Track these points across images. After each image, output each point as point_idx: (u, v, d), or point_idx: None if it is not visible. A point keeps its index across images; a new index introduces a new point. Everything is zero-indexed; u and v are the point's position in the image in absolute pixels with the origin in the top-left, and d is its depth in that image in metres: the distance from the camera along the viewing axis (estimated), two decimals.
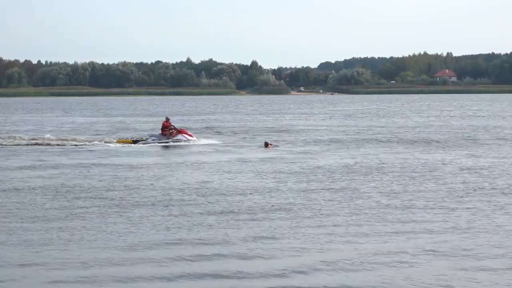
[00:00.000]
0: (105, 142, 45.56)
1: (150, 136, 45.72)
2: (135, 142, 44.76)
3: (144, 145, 43.65)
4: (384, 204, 21.24)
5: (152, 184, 25.81)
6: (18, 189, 24.57)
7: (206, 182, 26.28)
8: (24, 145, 43.42)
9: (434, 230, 17.69)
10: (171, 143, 43.74)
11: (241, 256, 15.29)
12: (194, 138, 45.13)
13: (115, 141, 45.87)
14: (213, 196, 22.89)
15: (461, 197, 22.62)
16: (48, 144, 43.70)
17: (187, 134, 45.31)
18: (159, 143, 44.00)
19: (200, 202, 21.87)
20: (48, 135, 49.31)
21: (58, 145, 43.58)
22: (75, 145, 43.76)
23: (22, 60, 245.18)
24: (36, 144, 43.75)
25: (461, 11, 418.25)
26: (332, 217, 19.43)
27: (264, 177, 27.63)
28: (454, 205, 21.20)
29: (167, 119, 46.00)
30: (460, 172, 28.77)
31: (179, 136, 44.62)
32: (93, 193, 23.65)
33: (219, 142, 45.00)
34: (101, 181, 26.59)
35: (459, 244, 16.31)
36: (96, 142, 45.37)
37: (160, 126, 46.77)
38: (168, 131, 44.81)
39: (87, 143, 44.71)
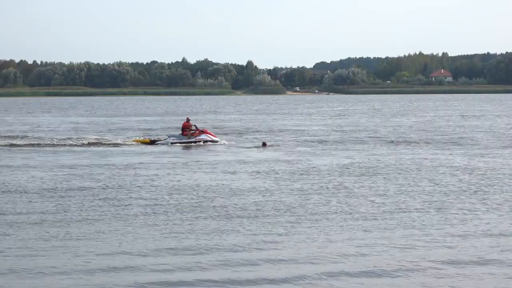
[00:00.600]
0: (123, 142, 45.17)
1: (169, 136, 45.13)
2: (152, 142, 44.34)
3: (165, 145, 43.16)
4: (383, 206, 21.24)
5: (153, 185, 25.73)
6: (23, 190, 24.59)
7: (202, 182, 26.21)
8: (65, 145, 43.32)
9: (433, 233, 17.72)
10: (195, 143, 43.28)
11: (241, 261, 15.28)
12: (217, 139, 44.70)
13: (132, 140, 45.42)
14: (210, 198, 22.84)
15: (457, 197, 22.66)
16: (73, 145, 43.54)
17: (210, 134, 44.92)
18: (180, 143, 43.55)
19: (196, 204, 21.80)
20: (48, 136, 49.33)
21: (57, 145, 43.59)
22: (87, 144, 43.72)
23: (17, 60, 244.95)
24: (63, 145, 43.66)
25: (457, 11, 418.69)
26: (331, 220, 19.43)
27: (261, 177, 27.58)
28: (451, 206, 21.24)
29: (188, 120, 45.42)
30: (458, 172, 28.81)
31: (203, 136, 44.13)
32: (88, 194, 23.63)
33: (234, 142, 44.83)
34: (94, 181, 26.51)
35: (457, 248, 16.36)
36: (112, 141, 45.19)
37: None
38: (188, 131, 44.29)
39: (99, 143, 44.55)
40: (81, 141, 45.23)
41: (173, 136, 45.09)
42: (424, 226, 18.38)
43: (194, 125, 45.28)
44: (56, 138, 47.72)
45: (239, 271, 14.23)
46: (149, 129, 60.17)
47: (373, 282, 13.55)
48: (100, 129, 60.54)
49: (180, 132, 45.08)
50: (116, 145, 43.50)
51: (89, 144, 43.87)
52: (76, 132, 55.31)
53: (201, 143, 43.46)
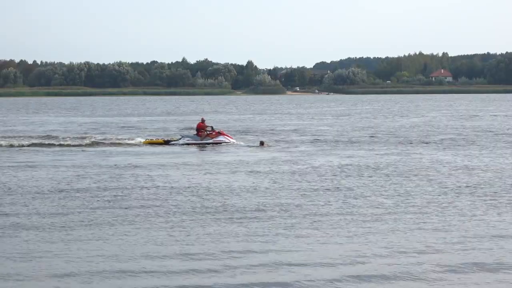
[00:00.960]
0: (131, 142, 44.40)
1: (183, 137, 44.01)
2: (166, 142, 43.30)
3: (180, 146, 42.29)
4: (385, 207, 21.01)
5: (154, 186, 25.48)
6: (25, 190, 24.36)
7: (202, 183, 25.99)
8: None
9: (436, 236, 17.49)
10: (211, 145, 42.35)
11: (241, 263, 15.07)
12: (234, 140, 43.66)
13: (142, 142, 44.32)
14: (210, 199, 22.62)
15: (461, 199, 22.41)
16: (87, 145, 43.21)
17: (227, 135, 43.87)
18: (195, 144, 42.54)
19: (197, 206, 21.57)
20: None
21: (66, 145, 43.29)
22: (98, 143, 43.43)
23: (17, 60, 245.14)
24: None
25: (457, 11, 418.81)
26: (332, 222, 19.18)
27: (260, 178, 27.34)
28: (454, 208, 20.99)
29: (203, 120, 44.28)
30: (462, 172, 28.57)
31: (220, 138, 43.01)
32: (90, 195, 23.38)
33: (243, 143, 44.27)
34: (96, 182, 26.26)
35: (460, 251, 16.13)
36: (123, 141, 44.63)
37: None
38: (203, 132, 43.26)
39: (112, 142, 44.14)
40: (87, 141, 44.72)
41: (187, 136, 43.97)
42: (427, 228, 18.11)
43: (211, 127, 44.34)
44: (62, 138, 47.44)
45: (239, 274, 14.03)
46: (154, 129, 60.02)
47: (373, 286, 13.31)
48: (106, 129, 60.13)
49: (195, 133, 43.93)
50: (124, 145, 42.92)
51: (95, 144, 43.39)
52: (82, 132, 54.99)
53: (219, 144, 42.40)
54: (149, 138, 46.50)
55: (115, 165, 32.09)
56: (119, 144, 43.32)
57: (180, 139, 43.85)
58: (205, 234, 17.35)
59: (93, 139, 45.91)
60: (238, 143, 43.49)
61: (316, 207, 20.91)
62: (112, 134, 52.43)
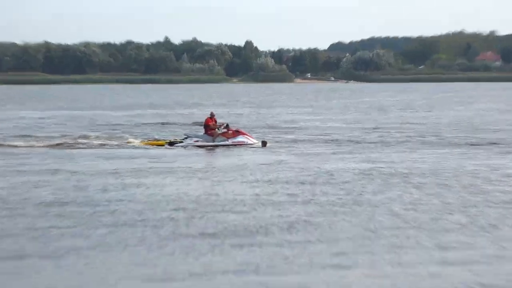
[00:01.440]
0: (128, 142, 44.51)
1: (188, 136, 43.50)
2: (171, 144, 42.77)
3: (186, 147, 42.00)
4: (408, 222, 20.86)
5: (143, 195, 25.40)
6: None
7: (187, 191, 25.90)
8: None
9: (473, 258, 17.36)
10: (228, 146, 41.87)
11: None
12: (255, 141, 42.76)
13: (139, 142, 44.28)
14: (206, 212, 22.53)
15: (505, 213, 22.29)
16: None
17: (247, 135, 43.11)
18: (207, 145, 42.09)
19: (179, 224, 21.47)
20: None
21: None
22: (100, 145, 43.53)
23: None
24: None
25: None
26: (349, 240, 19.06)
27: (261, 187, 27.27)
28: (496, 224, 20.86)
29: (212, 115, 43.51)
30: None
31: (240, 138, 42.29)
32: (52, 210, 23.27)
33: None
34: (58, 190, 26.19)
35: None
36: (115, 142, 44.79)
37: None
38: (215, 130, 42.62)
39: (108, 143, 44.35)
40: (58, 141, 44.84)
41: (194, 136, 43.48)
42: (474, 256, 17.93)
43: (226, 124, 43.68)
44: (41, 137, 47.56)
45: None
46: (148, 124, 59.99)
47: None
48: (93, 127, 60.03)
49: (203, 132, 43.33)
50: (115, 146, 43.01)
51: (75, 145, 43.49)
52: (63, 131, 54.81)
53: (239, 146, 41.77)
54: (148, 139, 46.09)
55: (82, 171, 32.00)
56: (110, 146, 43.29)
57: (185, 139, 43.48)
58: (193, 262, 17.18)
59: (64, 140, 45.98)
60: (260, 144, 42.67)
61: (333, 225, 20.77)
62: (95, 132, 52.52)
